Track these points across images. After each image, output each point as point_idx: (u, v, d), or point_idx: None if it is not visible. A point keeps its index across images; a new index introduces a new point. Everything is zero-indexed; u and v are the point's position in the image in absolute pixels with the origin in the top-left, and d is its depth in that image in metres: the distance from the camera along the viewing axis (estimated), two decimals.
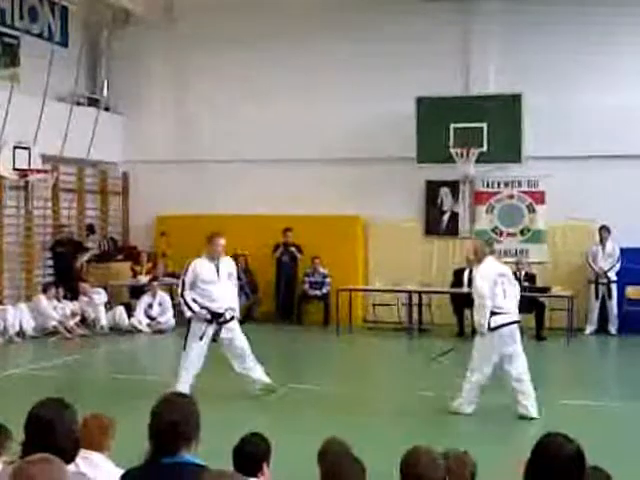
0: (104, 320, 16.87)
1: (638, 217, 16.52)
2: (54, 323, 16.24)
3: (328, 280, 18.15)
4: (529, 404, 9.83)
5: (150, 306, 17.28)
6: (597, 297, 16.84)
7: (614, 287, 16.74)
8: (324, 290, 18.17)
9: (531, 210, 17.69)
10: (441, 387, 11.49)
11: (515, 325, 9.98)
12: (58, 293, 16.69)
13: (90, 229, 19.37)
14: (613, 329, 16.77)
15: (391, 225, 18.33)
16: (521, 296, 10.36)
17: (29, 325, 16.03)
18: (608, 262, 16.71)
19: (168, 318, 17.26)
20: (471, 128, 16.94)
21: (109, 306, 17.42)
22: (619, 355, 15.97)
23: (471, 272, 16.53)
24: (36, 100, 16.25)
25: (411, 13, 17.93)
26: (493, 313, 9.82)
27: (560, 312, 16.44)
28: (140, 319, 17.09)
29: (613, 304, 16.75)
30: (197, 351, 10.69)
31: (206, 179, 19.38)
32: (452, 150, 17.08)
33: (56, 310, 16.42)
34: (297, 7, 18.74)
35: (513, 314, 9.98)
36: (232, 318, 10.79)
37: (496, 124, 16.95)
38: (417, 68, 17.76)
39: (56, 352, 14.79)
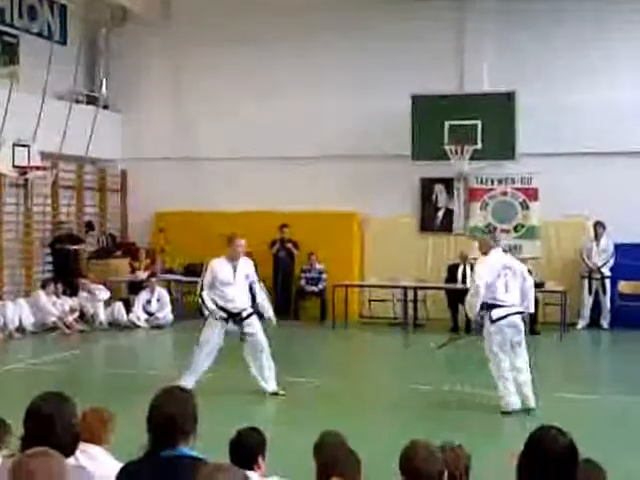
0: (102, 316, 16.94)
1: (630, 213, 16.65)
2: (53, 319, 16.31)
3: (324, 276, 18.29)
4: (529, 395, 9.84)
5: (148, 302, 17.33)
6: (590, 292, 16.96)
7: (608, 282, 16.88)
8: (320, 286, 18.30)
9: (525, 207, 17.80)
10: (436, 381, 11.66)
11: (518, 316, 9.96)
12: (57, 289, 16.74)
13: (89, 226, 19.41)
14: (605, 324, 16.90)
15: (386, 222, 18.46)
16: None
17: (28, 321, 16.08)
18: (602, 258, 16.84)
19: (166, 314, 17.36)
20: (465, 126, 17.00)
21: (108, 302, 17.53)
22: (612, 349, 16.10)
23: (465, 268, 16.88)
24: (35, 98, 16.31)
25: (407, 12, 18.00)
26: (494, 306, 9.82)
27: (553, 307, 16.62)
28: (138, 315, 17.15)
29: (607, 299, 16.90)
30: (209, 348, 10.79)
31: (204, 176, 19.48)
32: (447, 147, 17.15)
33: (55, 306, 16.47)
34: (294, 6, 18.82)
35: (516, 306, 9.93)
36: (249, 315, 10.83)
37: (490, 122, 17.03)
38: (412, 66, 17.92)
39: (55, 347, 14.87)
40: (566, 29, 17.52)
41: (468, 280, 16.54)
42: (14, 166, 16.19)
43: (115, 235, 20.38)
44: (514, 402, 9.79)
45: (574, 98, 17.24)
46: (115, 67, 20.05)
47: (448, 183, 18.24)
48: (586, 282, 17.01)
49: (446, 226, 18.34)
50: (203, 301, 10.78)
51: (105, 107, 19.77)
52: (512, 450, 4.01)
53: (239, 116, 19.05)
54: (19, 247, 17.74)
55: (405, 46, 18.03)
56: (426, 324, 17.36)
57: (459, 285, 16.77)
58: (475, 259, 15.20)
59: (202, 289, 10.80)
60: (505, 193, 17.95)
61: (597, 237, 16.94)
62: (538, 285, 16.43)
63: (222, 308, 10.73)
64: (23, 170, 16.41)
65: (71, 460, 4.03)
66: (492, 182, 18.02)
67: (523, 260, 16.93)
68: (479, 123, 17.07)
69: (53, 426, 4.01)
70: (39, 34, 18.27)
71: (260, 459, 4.80)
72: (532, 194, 17.73)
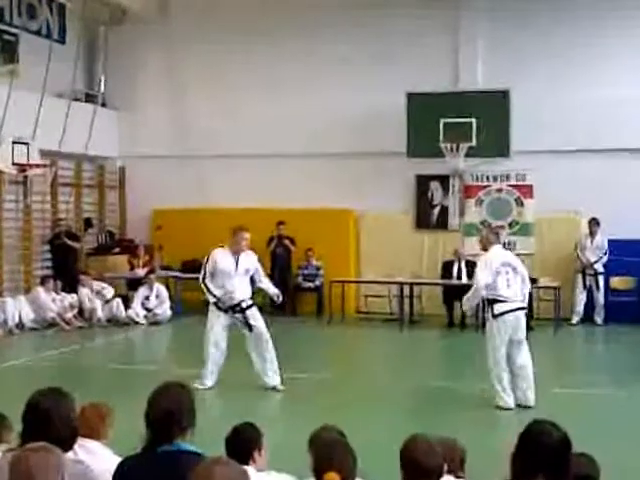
0: (100, 312, 17.00)
1: (623, 209, 16.73)
2: (52, 315, 16.38)
3: (321, 272, 18.43)
4: (529, 391, 9.88)
5: (147, 298, 17.41)
6: (584, 288, 17.08)
7: (601, 278, 17.01)
8: (317, 282, 18.44)
9: (519, 203, 17.91)
10: (431, 376, 11.84)
11: (520, 312, 9.97)
12: (56, 285, 16.82)
13: (88, 223, 19.49)
14: (599, 319, 17.01)
15: (382, 218, 18.58)
16: None
17: (28, 317, 16.16)
18: (595, 254, 16.96)
19: (164, 310, 17.45)
20: (460, 123, 17.10)
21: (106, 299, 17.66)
22: (606, 344, 16.19)
23: (460, 265, 17.03)
24: (35, 96, 16.39)
25: (402, 10, 18.07)
26: (496, 301, 9.88)
27: (547, 303, 16.76)
28: (137, 311, 17.22)
29: (599, 295, 17.03)
30: (214, 339, 10.86)
31: (201, 173, 19.55)
32: (442, 145, 17.25)
33: (55, 302, 16.55)
34: (293, 4, 18.92)
35: (518, 302, 9.95)
36: (249, 306, 10.87)
37: (485, 119, 17.14)
38: (407, 64, 18.01)
39: (55, 343, 14.90)
40: (560, 27, 17.61)
41: (463, 276, 16.78)
42: (13, 163, 16.23)
43: (114, 232, 20.44)
44: (507, 401, 9.84)
45: (567, 95, 17.39)
46: (113, 65, 20.11)
47: (443, 180, 18.33)
48: (580, 278, 17.13)
49: (442, 223, 18.44)
50: (208, 289, 10.80)
51: (103, 105, 19.84)
52: (509, 444, 4.01)
53: (236, 113, 19.11)
54: (18, 244, 17.81)
55: (401, 44, 18.14)
56: (422, 320, 17.47)
57: (454, 281, 16.94)
58: (474, 255, 15.41)
59: (204, 278, 10.81)
60: (500, 190, 18.06)
61: (592, 234, 17.03)
62: (532, 281, 16.62)
63: (222, 300, 10.79)
64: (22, 167, 16.46)
65: (70, 454, 4.06)
66: (487, 179, 18.13)
67: (517, 256, 17.23)
68: (474, 120, 17.16)
69: (51, 421, 4.04)
70: (38, 33, 18.28)
71: (256, 454, 4.80)
72: (527, 191, 17.84)
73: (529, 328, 15.71)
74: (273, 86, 19.02)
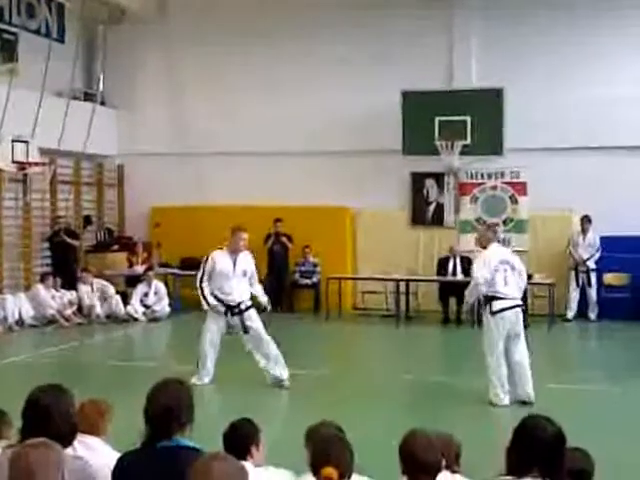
0: (99, 309, 17.08)
1: (615, 206, 16.82)
2: (52, 312, 16.46)
3: (318, 269, 18.55)
4: (527, 387, 9.93)
5: (146, 295, 17.49)
6: (577, 284, 17.19)
7: (593, 275, 17.11)
8: (314, 279, 18.55)
9: (514, 201, 18.00)
10: (427, 371, 11.94)
11: (518, 309, 10.03)
12: (56, 283, 16.90)
13: (87, 220, 19.58)
14: (593, 315, 17.12)
15: (378, 215, 18.69)
16: None
17: (28, 314, 16.25)
18: (588, 251, 17.05)
19: (163, 306, 17.55)
20: (455, 121, 17.20)
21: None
22: (599, 340, 16.24)
23: (455, 261, 17.19)
24: (34, 95, 16.44)
25: (397, 9, 18.17)
26: (494, 298, 9.92)
27: (541, 299, 16.84)
28: (136, 308, 17.29)
29: (592, 291, 17.14)
30: (211, 337, 10.92)
31: (199, 171, 19.65)
32: (437, 143, 17.35)
33: (54, 299, 16.64)
34: (292, 4, 18.98)
35: (516, 299, 10.02)
36: (248, 308, 10.87)
37: (479, 117, 17.24)
38: (403, 63, 18.09)
39: (54, 340, 14.98)
40: (554, 25, 17.67)
41: (459, 273, 16.95)
42: (13, 162, 16.31)
43: (112, 229, 20.50)
44: (503, 399, 9.90)
45: (561, 94, 17.51)
46: (112, 64, 20.15)
47: (439, 177, 18.44)
48: (573, 274, 17.24)
49: (437, 220, 18.56)
50: (203, 293, 10.81)
51: (102, 104, 19.87)
52: (505, 439, 4.09)
53: (234, 112, 19.21)
54: (18, 242, 17.89)
55: (399, 44, 18.23)
56: (418, 316, 17.59)
57: (450, 277, 17.10)
58: (469, 252, 15.56)
59: (202, 280, 10.83)
60: (495, 187, 18.15)
61: (584, 231, 17.13)
62: (527, 277, 16.75)
63: (220, 301, 10.81)
64: (22, 166, 16.54)
65: (69, 450, 4.07)
66: (482, 176, 18.20)
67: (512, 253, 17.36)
68: (468, 119, 17.27)
69: (51, 417, 4.05)
70: (37, 32, 18.32)
71: (254, 449, 4.84)
72: (521, 188, 17.93)
73: (525, 325, 16.02)
74: (271, 86, 19.10)
